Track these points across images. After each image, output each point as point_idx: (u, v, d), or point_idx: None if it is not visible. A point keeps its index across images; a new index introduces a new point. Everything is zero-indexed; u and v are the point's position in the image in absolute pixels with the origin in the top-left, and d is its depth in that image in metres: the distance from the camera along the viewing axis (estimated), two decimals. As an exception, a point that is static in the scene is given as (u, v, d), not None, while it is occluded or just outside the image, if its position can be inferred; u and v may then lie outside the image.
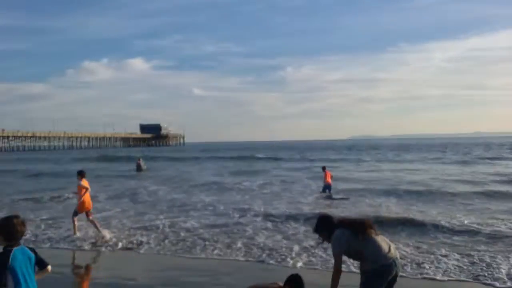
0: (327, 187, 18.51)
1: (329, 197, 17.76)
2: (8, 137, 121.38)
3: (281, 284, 5.00)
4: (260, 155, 57.42)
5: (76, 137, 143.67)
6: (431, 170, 30.97)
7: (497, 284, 6.88)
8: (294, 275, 4.96)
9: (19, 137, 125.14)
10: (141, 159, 36.89)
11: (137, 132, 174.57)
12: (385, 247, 4.81)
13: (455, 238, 9.99)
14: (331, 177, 19.09)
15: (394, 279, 4.82)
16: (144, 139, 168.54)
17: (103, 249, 9.65)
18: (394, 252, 4.82)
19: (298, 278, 4.88)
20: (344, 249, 4.92)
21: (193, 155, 64.54)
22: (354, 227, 4.95)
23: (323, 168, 19.44)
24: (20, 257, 3.68)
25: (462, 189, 19.00)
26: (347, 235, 4.90)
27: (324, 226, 5.11)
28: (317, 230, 5.16)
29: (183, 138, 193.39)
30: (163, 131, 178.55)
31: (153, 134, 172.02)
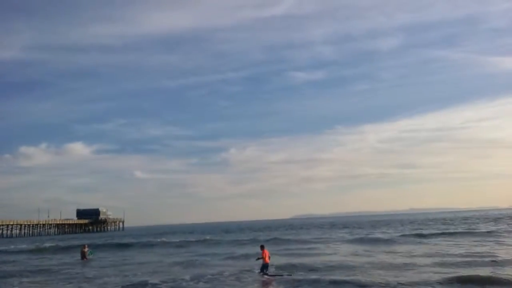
0: (265, 266, 18.76)
1: (269, 275, 18.15)
2: None
3: None
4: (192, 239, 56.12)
5: (7, 225, 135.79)
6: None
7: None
8: None
9: None
10: (86, 246, 34.68)
11: (73, 218, 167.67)
12: None
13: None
14: (269, 256, 19.06)
15: None
16: (80, 225, 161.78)
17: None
18: None
19: None
20: None
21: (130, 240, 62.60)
22: None
23: (262, 247, 19.53)
24: None
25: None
26: None
27: None
28: None
29: (123, 222, 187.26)
30: (102, 216, 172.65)
31: (90, 219, 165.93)
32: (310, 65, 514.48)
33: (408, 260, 21.43)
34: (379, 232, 54.16)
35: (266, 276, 18.34)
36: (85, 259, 32.05)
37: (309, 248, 32.53)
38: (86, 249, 33.31)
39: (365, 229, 65.70)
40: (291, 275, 18.30)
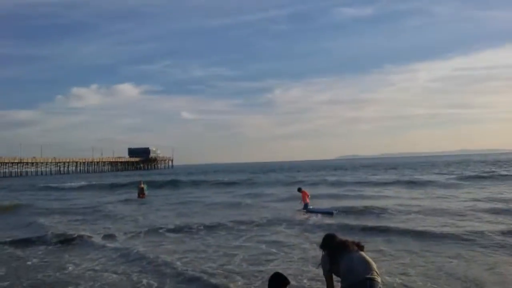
0: (305, 206, 19.09)
1: (310, 212, 18.50)
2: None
3: None
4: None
5: (64, 162, 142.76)
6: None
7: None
8: (274, 275, 5.05)
9: (6, 163, 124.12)
10: (143, 183, 33.63)
11: (125, 156, 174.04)
12: (358, 265, 4.81)
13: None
14: (308, 196, 19.55)
15: None
16: (132, 163, 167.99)
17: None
18: (370, 271, 4.76)
19: (280, 274, 4.99)
20: (328, 270, 5.13)
21: (189, 178, 62.49)
22: (329, 249, 5.18)
23: (299, 189, 20.18)
24: None
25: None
26: (325, 257, 5.22)
27: (322, 244, 5.41)
28: (321, 246, 5.44)
29: (172, 161, 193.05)
30: (152, 155, 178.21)
31: (141, 157, 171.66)
32: (359, 0, 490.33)
33: (467, 205, 19.44)
34: (431, 173, 51.78)
35: (308, 213, 18.56)
36: (142, 195, 31.23)
37: (358, 191, 30.78)
38: (142, 185, 32.39)
39: (417, 170, 63.57)
40: (332, 212, 18.09)
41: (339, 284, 5.03)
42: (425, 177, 43.29)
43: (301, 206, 19.50)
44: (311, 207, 19.23)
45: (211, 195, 32.31)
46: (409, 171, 62.43)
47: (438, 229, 13.31)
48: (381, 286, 4.81)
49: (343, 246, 5.03)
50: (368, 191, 30.38)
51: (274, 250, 11.22)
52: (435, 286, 7.67)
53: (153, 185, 41.47)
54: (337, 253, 5.00)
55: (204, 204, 25.13)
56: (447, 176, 43.96)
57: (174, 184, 47.40)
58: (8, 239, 14.06)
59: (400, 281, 7.94)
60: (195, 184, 46.96)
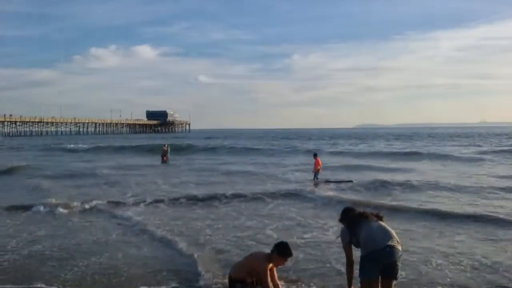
0: (315, 174, 18.84)
1: (328, 181, 18.25)
2: (15, 122, 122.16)
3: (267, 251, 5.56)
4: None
5: (83, 123, 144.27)
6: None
7: None
8: (282, 242, 5.46)
9: (27, 122, 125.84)
10: (167, 145, 32.78)
11: (143, 119, 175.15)
12: (378, 233, 4.87)
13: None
14: (320, 165, 19.10)
15: (391, 265, 4.80)
16: (150, 126, 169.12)
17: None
18: (391, 239, 4.80)
19: (286, 244, 5.40)
20: (347, 242, 5.15)
21: (208, 143, 61.41)
22: (348, 222, 5.19)
23: (315, 155, 19.66)
24: None
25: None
26: (344, 229, 5.23)
27: (341, 218, 5.39)
28: (340, 220, 5.40)
29: (189, 125, 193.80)
30: (169, 118, 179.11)
31: (159, 120, 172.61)
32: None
33: (494, 183, 17.51)
34: (458, 146, 49.79)
35: (322, 182, 18.24)
36: (165, 158, 30.69)
37: (376, 163, 28.70)
38: (166, 148, 31.69)
39: (439, 140, 62.17)
40: (351, 181, 17.95)
41: (358, 254, 5.08)
42: (447, 149, 42.08)
43: (312, 175, 19.15)
44: (328, 178, 19.00)
45: (233, 162, 31.47)
46: (429, 142, 60.79)
47: (464, 209, 12.24)
48: (401, 254, 4.85)
49: (363, 217, 5.08)
50: (387, 163, 28.41)
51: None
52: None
53: (173, 148, 40.49)
54: (356, 224, 5.03)
55: (226, 172, 24.00)
56: (472, 149, 42.38)
57: (193, 149, 47.08)
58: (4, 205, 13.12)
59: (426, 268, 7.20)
60: (213, 150, 46.43)
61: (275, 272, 5.52)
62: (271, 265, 5.38)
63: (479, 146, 48.91)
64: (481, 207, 12.64)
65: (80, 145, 55.75)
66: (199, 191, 15.92)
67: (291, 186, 17.25)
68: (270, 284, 5.36)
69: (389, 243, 4.75)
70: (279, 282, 5.60)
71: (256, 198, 14.46)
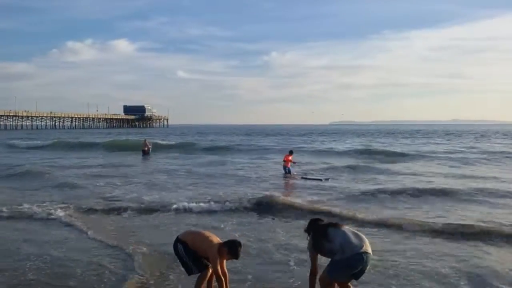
0: (284, 168, 19.76)
1: (304, 178, 18.57)
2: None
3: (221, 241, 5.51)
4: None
5: (59, 117, 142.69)
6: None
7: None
8: (235, 241, 5.47)
9: (1, 116, 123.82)
10: (147, 140, 33.19)
11: (121, 114, 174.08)
12: (354, 238, 5.05)
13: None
14: (290, 161, 19.80)
15: (363, 271, 5.04)
16: (127, 121, 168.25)
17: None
18: (365, 244, 5.02)
19: (238, 243, 5.41)
20: (314, 253, 5.24)
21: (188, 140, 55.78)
22: (315, 231, 5.30)
23: (291, 152, 20.60)
24: None
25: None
26: (310, 240, 5.30)
27: (307, 228, 5.48)
28: (307, 230, 5.50)
29: (167, 120, 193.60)
30: (147, 113, 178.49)
31: (137, 115, 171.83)
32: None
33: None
34: (437, 143, 48.64)
35: (290, 175, 19.25)
36: (146, 149, 31.03)
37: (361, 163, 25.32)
38: (149, 145, 31.88)
39: (416, 138, 63.15)
40: (328, 179, 18.11)
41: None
42: (427, 148, 39.49)
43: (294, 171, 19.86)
44: (294, 173, 19.62)
45: (200, 161, 27.64)
46: (407, 140, 58.36)
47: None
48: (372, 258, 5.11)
49: (331, 225, 5.25)
50: (369, 163, 25.24)
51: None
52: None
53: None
54: (324, 233, 5.13)
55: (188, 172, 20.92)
56: (454, 147, 40.22)
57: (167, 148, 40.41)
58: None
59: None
60: (184, 147, 40.92)
61: (224, 261, 5.52)
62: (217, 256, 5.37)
63: (453, 141, 49.89)
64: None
65: (36, 141, 50.17)
66: (148, 197, 13.47)
67: (258, 191, 14.78)
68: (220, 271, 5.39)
69: (366, 249, 4.96)
70: (226, 271, 5.60)
71: (201, 212, 11.59)
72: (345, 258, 4.91)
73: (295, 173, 19.62)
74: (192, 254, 5.50)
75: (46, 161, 27.65)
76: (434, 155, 31.36)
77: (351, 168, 22.30)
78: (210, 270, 5.55)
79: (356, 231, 5.24)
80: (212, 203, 12.25)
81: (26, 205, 11.98)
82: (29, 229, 9.89)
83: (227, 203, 12.18)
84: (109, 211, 11.64)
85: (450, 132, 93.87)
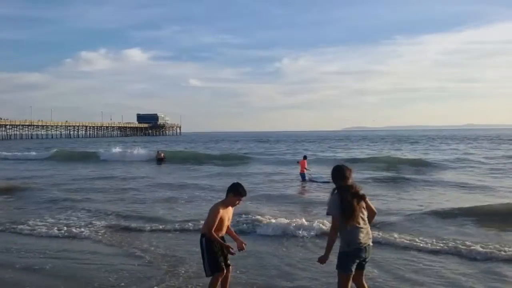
0: (301, 175, 19.55)
1: (312, 180, 19.00)
2: (5, 125, 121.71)
3: None
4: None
5: (74, 126, 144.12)
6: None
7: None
8: (235, 182, 5.51)
9: (17, 125, 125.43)
10: (159, 151, 35.51)
11: (134, 122, 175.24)
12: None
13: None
14: (305, 167, 19.67)
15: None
16: (141, 129, 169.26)
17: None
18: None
19: (238, 183, 5.46)
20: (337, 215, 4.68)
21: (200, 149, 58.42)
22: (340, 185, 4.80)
23: (305, 157, 20.74)
24: None
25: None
26: (335, 196, 4.78)
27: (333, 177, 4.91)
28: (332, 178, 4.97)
29: (180, 128, 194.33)
30: (160, 121, 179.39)
31: (150, 123, 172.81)
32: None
33: None
34: (455, 149, 46.76)
35: (303, 181, 19.22)
36: (162, 155, 33.38)
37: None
38: (162, 155, 33.75)
39: (432, 143, 62.95)
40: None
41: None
42: (460, 155, 35.43)
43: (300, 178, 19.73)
44: (311, 176, 19.62)
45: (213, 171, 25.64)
46: (430, 146, 55.02)
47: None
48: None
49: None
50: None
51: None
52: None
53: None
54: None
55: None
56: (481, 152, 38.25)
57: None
58: None
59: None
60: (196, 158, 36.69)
61: (230, 217, 5.55)
62: (221, 210, 5.33)
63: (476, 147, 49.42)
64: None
65: (33, 153, 45.84)
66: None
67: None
68: (216, 226, 5.32)
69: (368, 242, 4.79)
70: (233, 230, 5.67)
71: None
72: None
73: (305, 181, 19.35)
74: (210, 249, 5.33)
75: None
76: (476, 164, 27.28)
77: (393, 181, 19.08)
78: (224, 272, 5.42)
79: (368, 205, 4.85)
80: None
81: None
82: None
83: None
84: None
85: (473, 136, 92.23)
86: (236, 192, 5.35)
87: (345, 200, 4.62)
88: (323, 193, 14.60)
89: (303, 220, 9.92)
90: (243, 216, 10.70)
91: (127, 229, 10.37)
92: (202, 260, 5.44)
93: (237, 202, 5.42)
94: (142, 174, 24.58)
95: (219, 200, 5.62)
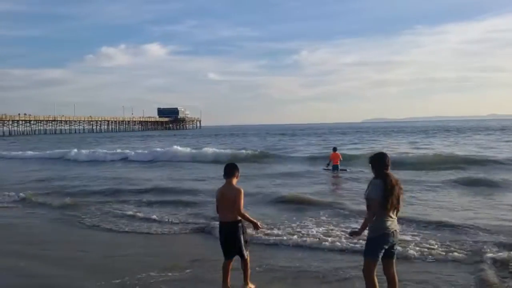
0: (335, 167, 19.37)
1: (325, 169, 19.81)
2: (30, 121, 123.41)
3: None
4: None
5: (96, 121, 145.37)
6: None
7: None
8: (229, 164, 5.82)
9: (41, 121, 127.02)
10: None
11: (155, 116, 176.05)
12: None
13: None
14: (340, 159, 19.64)
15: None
16: (161, 123, 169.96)
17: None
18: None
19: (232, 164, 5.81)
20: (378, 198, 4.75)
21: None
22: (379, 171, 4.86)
23: (334, 149, 20.39)
24: None
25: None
26: (378, 182, 4.83)
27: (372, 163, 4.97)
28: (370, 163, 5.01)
29: (200, 121, 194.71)
30: (181, 115, 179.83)
31: (170, 118, 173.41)
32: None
33: None
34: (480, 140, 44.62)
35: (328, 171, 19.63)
36: None
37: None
38: None
39: (460, 134, 60.92)
40: (346, 170, 19.20)
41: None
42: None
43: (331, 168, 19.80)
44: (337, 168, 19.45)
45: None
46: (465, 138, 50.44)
47: None
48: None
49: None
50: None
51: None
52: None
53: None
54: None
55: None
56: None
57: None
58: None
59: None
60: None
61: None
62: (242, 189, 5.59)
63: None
64: None
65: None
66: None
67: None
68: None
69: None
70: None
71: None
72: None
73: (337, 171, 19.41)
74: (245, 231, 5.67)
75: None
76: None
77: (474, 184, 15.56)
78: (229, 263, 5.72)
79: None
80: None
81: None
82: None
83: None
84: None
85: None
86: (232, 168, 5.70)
87: (390, 186, 4.72)
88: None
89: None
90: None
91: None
92: (239, 244, 5.57)
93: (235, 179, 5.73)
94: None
95: (237, 185, 5.71)
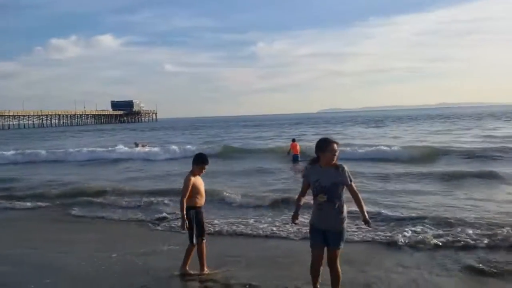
0: (295, 157, 19.68)
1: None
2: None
3: None
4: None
5: (47, 115, 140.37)
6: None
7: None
8: (198, 153, 6.19)
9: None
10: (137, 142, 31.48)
11: (108, 109, 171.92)
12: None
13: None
14: (298, 149, 19.98)
15: None
16: (116, 116, 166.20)
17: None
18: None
19: (201, 153, 6.17)
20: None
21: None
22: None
23: (293, 140, 20.98)
24: None
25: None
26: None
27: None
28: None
29: (156, 114, 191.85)
30: (135, 108, 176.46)
31: (125, 110, 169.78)
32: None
33: None
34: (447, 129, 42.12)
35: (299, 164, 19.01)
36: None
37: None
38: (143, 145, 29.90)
39: (419, 123, 62.70)
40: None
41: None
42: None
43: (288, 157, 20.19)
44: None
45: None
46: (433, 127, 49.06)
47: None
48: None
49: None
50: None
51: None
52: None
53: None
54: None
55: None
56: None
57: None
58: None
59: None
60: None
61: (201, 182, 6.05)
62: (193, 178, 5.89)
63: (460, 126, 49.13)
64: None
65: None
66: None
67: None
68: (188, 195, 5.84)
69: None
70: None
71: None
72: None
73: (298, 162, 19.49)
74: (199, 219, 6.00)
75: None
76: None
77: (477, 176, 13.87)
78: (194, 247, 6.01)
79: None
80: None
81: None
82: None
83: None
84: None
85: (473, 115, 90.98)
86: (197, 162, 5.94)
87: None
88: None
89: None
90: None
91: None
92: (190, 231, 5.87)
93: (202, 171, 5.99)
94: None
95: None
